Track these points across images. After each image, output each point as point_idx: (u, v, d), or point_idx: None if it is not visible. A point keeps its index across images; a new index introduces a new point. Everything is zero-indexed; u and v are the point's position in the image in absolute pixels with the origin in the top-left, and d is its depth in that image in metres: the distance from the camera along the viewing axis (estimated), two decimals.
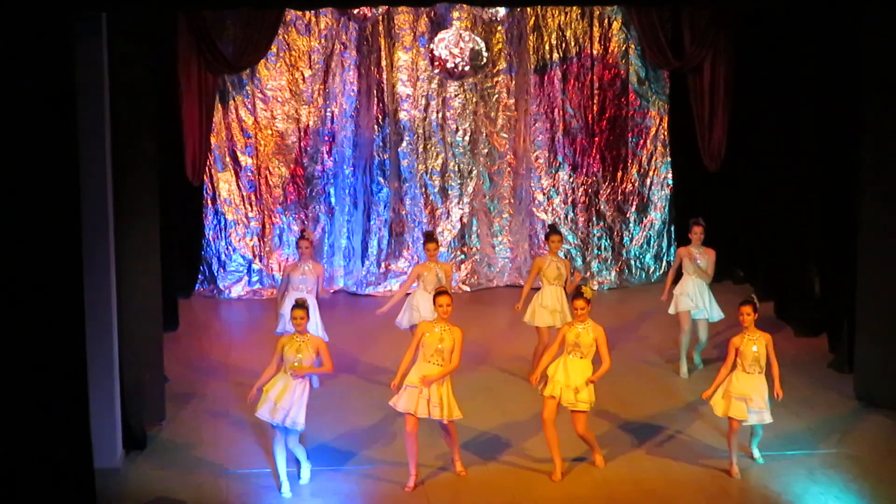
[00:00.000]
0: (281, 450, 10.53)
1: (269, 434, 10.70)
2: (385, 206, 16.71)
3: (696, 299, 13.29)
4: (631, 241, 17.14)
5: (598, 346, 10.81)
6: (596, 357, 10.85)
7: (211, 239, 16.41)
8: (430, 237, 13.17)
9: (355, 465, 11.08)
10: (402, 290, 13.25)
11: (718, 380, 10.87)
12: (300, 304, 10.50)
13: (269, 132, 16.38)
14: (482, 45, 14.21)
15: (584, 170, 16.98)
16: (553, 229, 13.55)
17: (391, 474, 10.88)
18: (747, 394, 10.70)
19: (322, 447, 11.22)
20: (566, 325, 11.08)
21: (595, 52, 16.76)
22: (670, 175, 17.13)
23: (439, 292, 10.75)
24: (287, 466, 10.59)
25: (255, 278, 16.49)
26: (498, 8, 15.28)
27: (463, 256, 16.94)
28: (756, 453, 11.15)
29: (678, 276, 13.52)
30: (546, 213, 16.91)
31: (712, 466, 11.05)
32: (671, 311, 13.52)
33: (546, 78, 16.75)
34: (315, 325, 12.52)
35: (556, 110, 16.82)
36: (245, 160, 16.39)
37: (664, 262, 17.13)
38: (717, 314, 13.40)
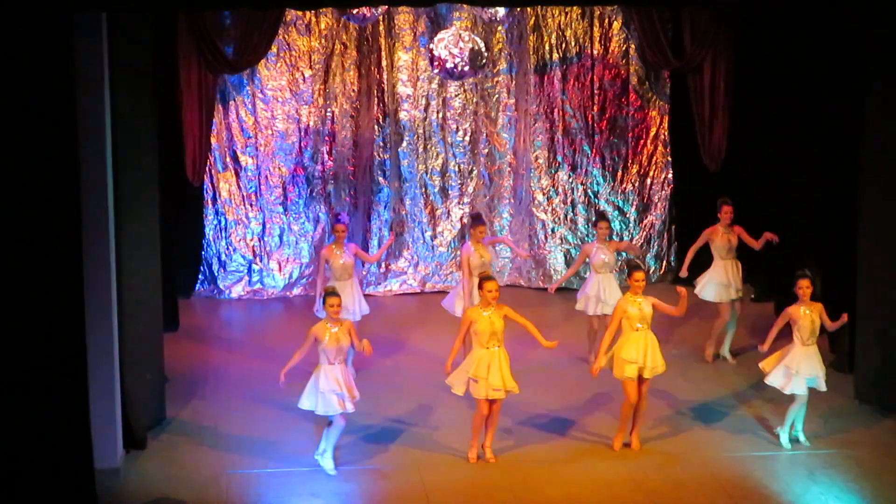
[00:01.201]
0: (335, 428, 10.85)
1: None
2: (385, 206, 16.69)
3: (725, 284, 13.60)
4: (631, 241, 17.11)
5: (662, 310, 11.18)
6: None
7: (211, 239, 16.39)
8: (479, 218, 13.27)
9: (356, 464, 11.07)
10: (469, 280, 13.00)
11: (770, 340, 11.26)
12: (334, 292, 10.71)
13: (270, 132, 16.37)
14: (482, 45, 14.20)
15: (584, 170, 16.96)
16: (601, 216, 13.62)
17: (392, 474, 10.88)
18: (804, 367, 11.08)
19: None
20: (622, 300, 11.24)
21: (595, 52, 16.75)
22: (670, 175, 17.12)
23: (486, 277, 10.87)
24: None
25: (255, 278, 16.47)
26: (498, 8, 15.27)
27: None
28: (801, 437, 11.45)
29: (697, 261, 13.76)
30: (546, 213, 16.89)
31: (713, 466, 11.05)
32: (700, 295, 13.73)
33: (546, 78, 16.73)
34: (351, 304, 12.71)
35: (556, 110, 16.80)
36: (245, 160, 16.38)
37: (664, 263, 17.11)
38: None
